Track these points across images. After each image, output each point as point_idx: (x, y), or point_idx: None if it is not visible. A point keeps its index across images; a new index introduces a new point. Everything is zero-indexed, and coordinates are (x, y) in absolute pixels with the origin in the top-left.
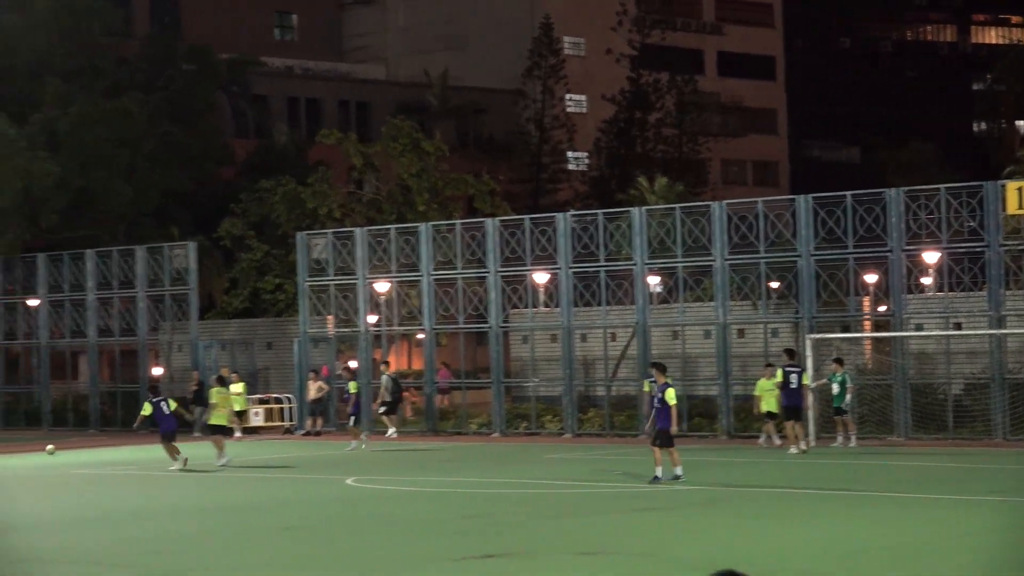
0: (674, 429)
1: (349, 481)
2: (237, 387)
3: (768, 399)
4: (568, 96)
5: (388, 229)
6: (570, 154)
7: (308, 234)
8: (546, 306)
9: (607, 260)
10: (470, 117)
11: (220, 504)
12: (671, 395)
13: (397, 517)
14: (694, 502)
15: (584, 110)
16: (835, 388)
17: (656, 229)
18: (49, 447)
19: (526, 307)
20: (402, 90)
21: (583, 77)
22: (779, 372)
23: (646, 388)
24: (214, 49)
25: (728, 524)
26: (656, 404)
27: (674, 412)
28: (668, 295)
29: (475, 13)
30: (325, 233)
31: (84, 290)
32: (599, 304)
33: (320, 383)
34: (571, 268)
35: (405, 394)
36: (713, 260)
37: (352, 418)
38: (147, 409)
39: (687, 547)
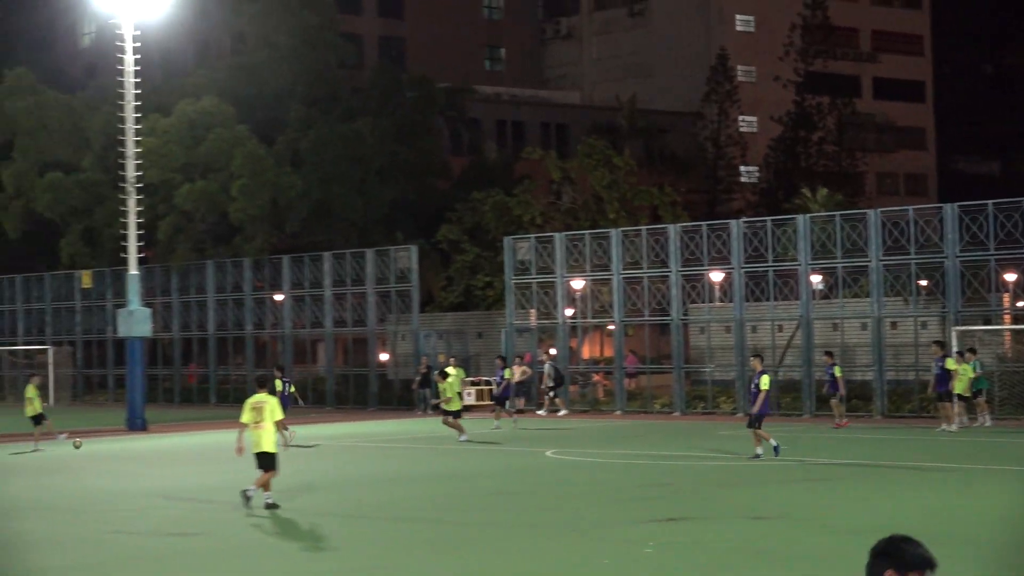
0: (755, 409)
1: (549, 453)
2: (453, 372)
3: (962, 382)
4: (741, 117)
5: (583, 234)
6: (742, 168)
7: (514, 238)
8: (721, 301)
9: (775, 261)
10: (655, 136)
11: (444, 472)
12: (765, 381)
13: (591, 484)
14: (856, 475)
15: (755, 130)
16: (973, 372)
17: (818, 234)
18: (77, 440)
19: (703, 302)
20: (596, 113)
21: (754, 101)
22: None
23: (766, 384)
24: (434, 79)
25: (890, 494)
26: (753, 389)
27: (761, 396)
28: (829, 292)
29: (660, 46)
30: (529, 237)
31: (322, 287)
32: (767, 299)
33: (524, 368)
34: (743, 268)
35: (596, 377)
36: (869, 261)
37: (504, 401)
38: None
39: (852, 515)
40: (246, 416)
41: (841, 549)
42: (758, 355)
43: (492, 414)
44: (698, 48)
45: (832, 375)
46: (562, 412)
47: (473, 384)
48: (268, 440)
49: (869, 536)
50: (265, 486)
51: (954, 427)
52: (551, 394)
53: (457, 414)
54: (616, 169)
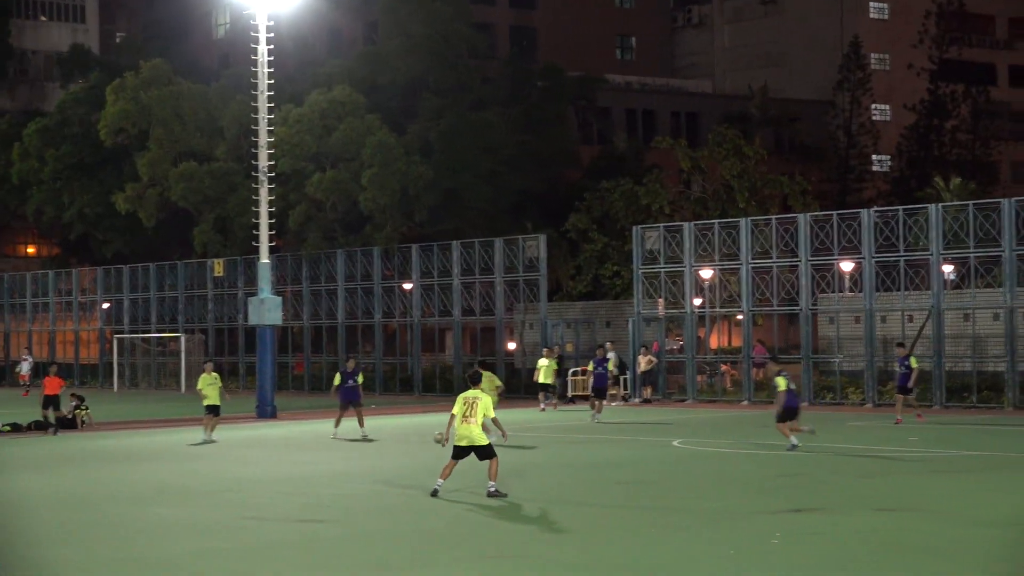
0: (777, 409)
1: (675, 443)
2: (544, 361)
3: None
4: (873, 106)
5: (712, 223)
6: (874, 157)
7: (643, 227)
8: (851, 291)
9: (906, 251)
10: (786, 125)
11: (563, 462)
12: (781, 383)
13: (716, 475)
14: (986, 466)
15: (887, 118)
16: None
17: (950, 223)
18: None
19: (833, 292)
20: (726, 102)
21: (887, 89)
22: None
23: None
24: (564, 68)
25: (1021, 485)
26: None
27: (779, 397)
28: (960, 282)
29: (792, 34)
30: (657, 227)
31: (450, 275)
32: (898, 289)
33: (650, 357)
34: (874, 258)
35: (724, 367)
36: (1002, 251)
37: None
38: (337, 379)
39: (981, 506)
40: (457, 408)
41: (968, 541)
42: (774, 358)
43: (590, 406)
44: (831, 36)
45: (907, 366)
46: (615, 403)
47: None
48: (479, 434)
49: (998, 528)
50: (493, 475)
51: None
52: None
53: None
54: (746, 158)
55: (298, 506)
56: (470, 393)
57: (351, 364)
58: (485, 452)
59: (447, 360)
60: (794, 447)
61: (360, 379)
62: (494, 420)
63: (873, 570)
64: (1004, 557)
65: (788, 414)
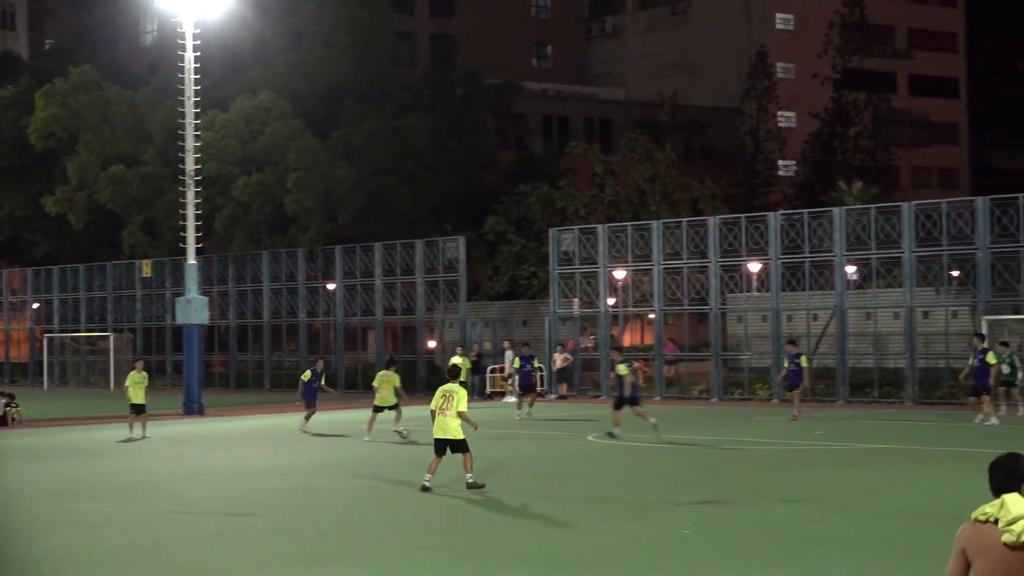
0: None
1: (590, 437)
2: (458, 359)
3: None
4: (779, 113)
5: (625, 226)
6: (780, 162)
7: (558, 230)
8: (758, 291)
9: (811, 252)
10: (696, 131)
11: (480, 456)
12: (622, 369)
13: (629, 468)
14: (888, 459)
15: (793, 125)
16: (1005, 368)
17: (853, 226)
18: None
19: (741, 292)
20: (639, 109)
21: (792, 97)
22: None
23: (623, 371)
24: (483, 76)
25: (923, 477)
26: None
27: (620, 382)
28: (863, 282)
29: (701, 44)
30: (572, 229)
31: (373, 276)
32: (804, 289)
33: (566, 355)
34: (780, 259)
35: (637, 364)
36: (902, 252)
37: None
38: (307, 376)
39: (883, 497)
40: (434, 402)
41: (871, 531)
42: (617, 347)
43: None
44: (739, 46)
45: (798, 364)
46: (510, 398)
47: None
48: (455, 428)
49: (900, 519)
50: (469, 467)
51: (994, 420)
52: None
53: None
54: (658, 163)
55: (226, 501)
56: (447, 387)
57: (321, 364)
58: (459, 446)
59: (369, 358)
60: (614, 436)
61: (323, 380)
62: (460, 414)
63: (780, 560)
64: (905, 547)
65: (627, 401)
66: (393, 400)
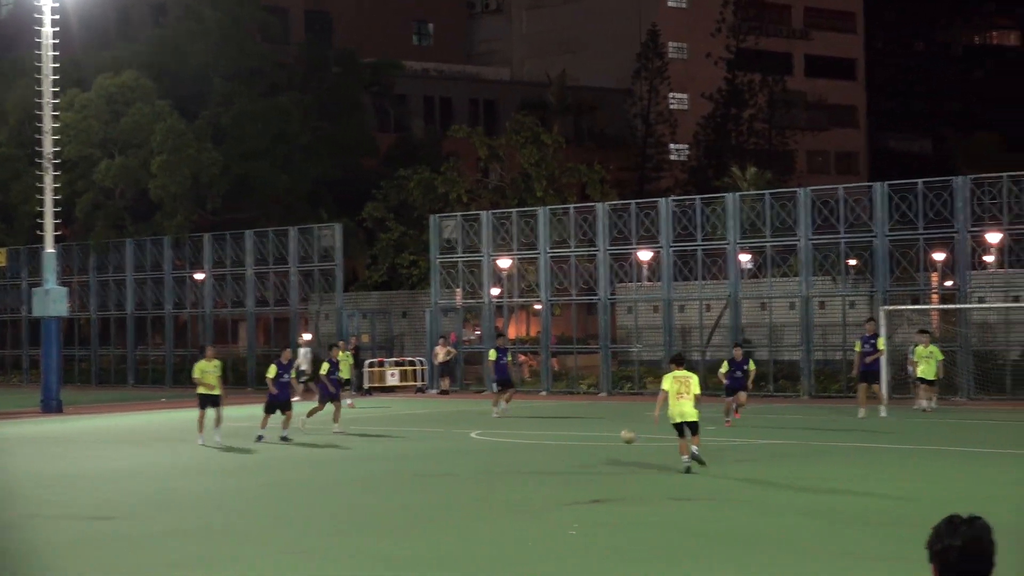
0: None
1: (474, 434)
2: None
3: (925, 366)
4: (671, 95)
5: (510, 212)
6: (672, 146)
7: (440, 216)
8: (649, 280)
9: (704, 240)
10: (584, 113)
11: (367, 455)
12: (492, 354)
13: (513, 467)
14: (782, 455)
15: (685, 107)
16: (920, 362)
17: (747, 212)
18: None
19: (631, 281)
20: (524, 89)
21: (685, 78)
22: (857, 342)
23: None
24: (360, 54)
25: (820, 474)
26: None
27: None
28: (757, 271)
29: (590, 22)
30: (455, 216)
31: (243, 265)
32: (696, 279)
33: (448, 348)
34: (671, 247)
35: (522, 357)
36: (798, 240)
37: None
38: (272, 371)
39: (777, 494)
40: (669, 385)
41: (765, 528)
42: (500, 334)
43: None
44: (629, 24)
45: (745, 370)
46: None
47: (397, 364)
48: (691, 410)
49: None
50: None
51: (863, 412)
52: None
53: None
54: (544, 146)
55: (87, 503)
56: (680, 373)
57: (287, 355)
58: (694, 427)
59: (240, 352)
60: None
61: (293, 374)
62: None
63: (671, 559)
64: (799, 544)
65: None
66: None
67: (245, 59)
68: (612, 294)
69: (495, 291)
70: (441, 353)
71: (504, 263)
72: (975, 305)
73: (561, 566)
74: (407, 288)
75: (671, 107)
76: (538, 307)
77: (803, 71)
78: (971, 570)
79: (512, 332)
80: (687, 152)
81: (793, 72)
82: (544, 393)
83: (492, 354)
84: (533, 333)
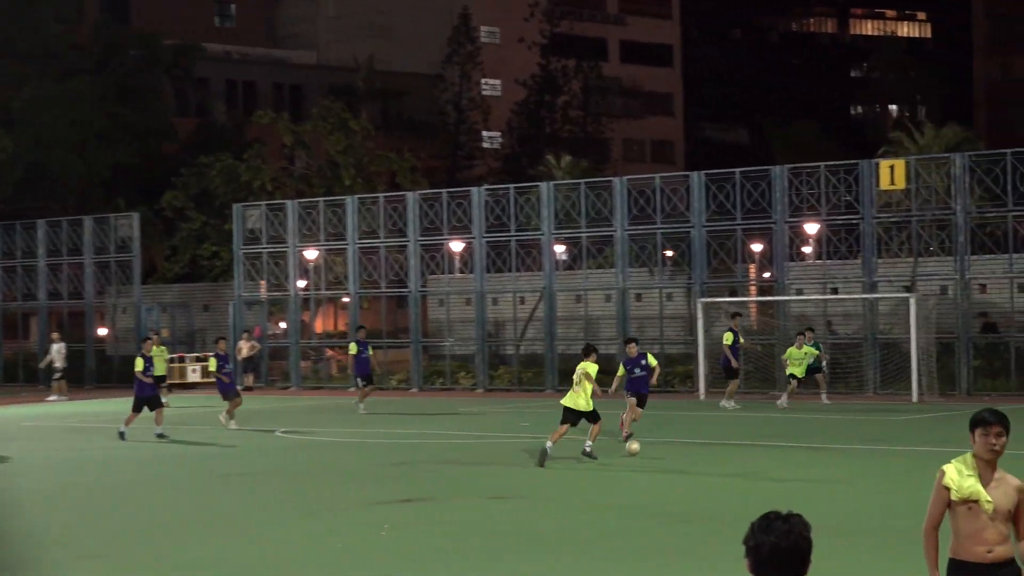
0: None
1: (279, 432)
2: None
3: (801, 365)
4: (484, 80)
5: (317, 201)
6: (485, 134)
7: (243, 206)
8: (461, 272)
9: (517, 230)
10: (394, 99)
11: (170, 454)
12: (353, 348)
13: (320, 465)
14: (600, 451)
15: (498, 93)
16: (811, 353)
17: (562, 202)
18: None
19: (443, 273)
20: (331, 74)
21: (498, 63)
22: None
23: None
24: (159, 35)
25: (637, 470)
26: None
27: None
28: (573, 262)
29: (399, 4)
30: (259, 205)
31: (35, 256)
32: (510, 271)
33: (252, 343)
34: (484, 238)
35: (329, 352)
36: (614, 231)
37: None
38: (212, 365)
39: (595, 491)
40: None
41: (577, 528)
42: (361, 326)
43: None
44: (439, 7)
45: (645, 367)
46: (54, 397)
47: (198, 360)
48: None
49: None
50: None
51: (732, 404)
52: (57, 376)
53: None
54: (352, 133)
55: None
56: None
57: (223, 345)
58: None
59: (31, 347)
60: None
61: (212, 365)
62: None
63: (484, 559)
64: (615, 544)
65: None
66: None
67: (37, 40)
68: (423, 286)
69: (301, 283)
70: (245, 348)
71: (311, 254)
72: (793, 297)
73: (370, 569)
74: (209, 280)
75: (483, 93)
76: (346, 300)
77: (619, 57)
78: (784, 567)
79: (319, 326)
80: (500, 140)
81: (608, 58)
82: (352, 389)
83: (353, 348)
84: (341, 327)
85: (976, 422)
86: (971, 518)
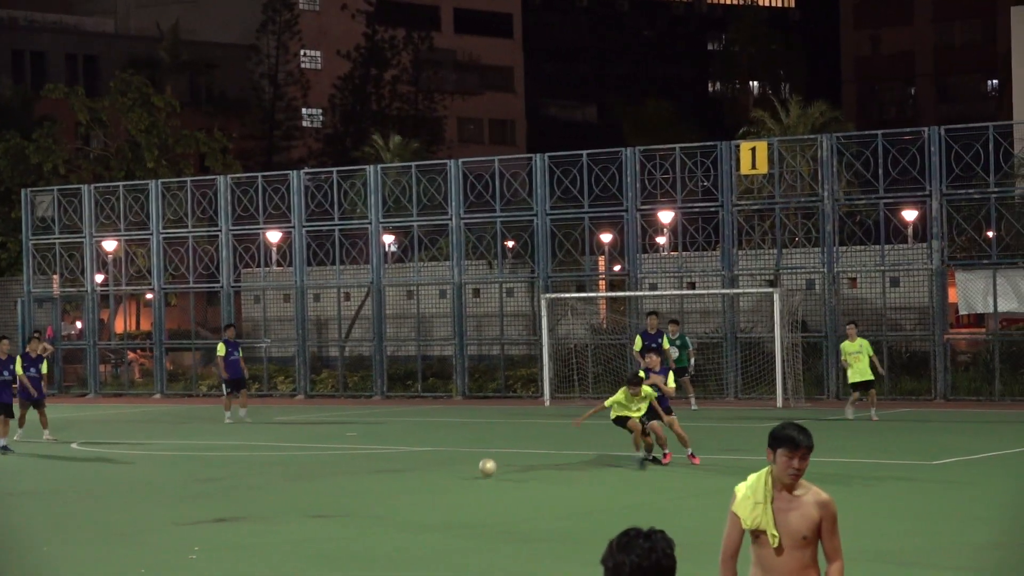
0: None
1: (74, 445)
2: None
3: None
4: (303, 52)
5: (117, 186)
6: (304, 111)
7: (33, 191)
8: (279, 265)
9: (341, 218)
10: (202, 72)
11: None
12: (221, 349)
13: (123, 482)
14: (431, 463)
15: (319, 66)
16: (674, 352)
17: (391, 187)
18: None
19: (258, 266)
20: (132, 44)
21: (318, 32)
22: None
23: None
24: None
25: (468, 485)
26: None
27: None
28: (403, 254)
29: None
30: (51, 190)
31: None
32: (333, 263)
33: (44, 344)
34: (305, 227)
35: (132, 355)
36: (449, 219)
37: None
38: (18, 366)
39: (423, 509)
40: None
41: (406, 548)
42: (231, 326)
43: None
44: None
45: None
46: None
47: None
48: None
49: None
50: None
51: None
52: None
53: None
54: (156, 110)
55: None
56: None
57: (39, 348)
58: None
59: None
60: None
61: (44, 368)
62: None
63: None
64: (449, 566)
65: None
66: None
67: None
68: (236, 281)
69: (99, 278)
70: (37, 349)
71: (109, 245)
72: (646, 292)
73: None
74: None
75: (303, 66)
76: (150, 296)
77: (453, 27)
78: None
79: (119, 326)
80: (322, 118)
81: (441, 28)
82: (158, 396)
83: (221, 349)
84: (144, 327)
85: (780, 439)
86: (764, 548)
